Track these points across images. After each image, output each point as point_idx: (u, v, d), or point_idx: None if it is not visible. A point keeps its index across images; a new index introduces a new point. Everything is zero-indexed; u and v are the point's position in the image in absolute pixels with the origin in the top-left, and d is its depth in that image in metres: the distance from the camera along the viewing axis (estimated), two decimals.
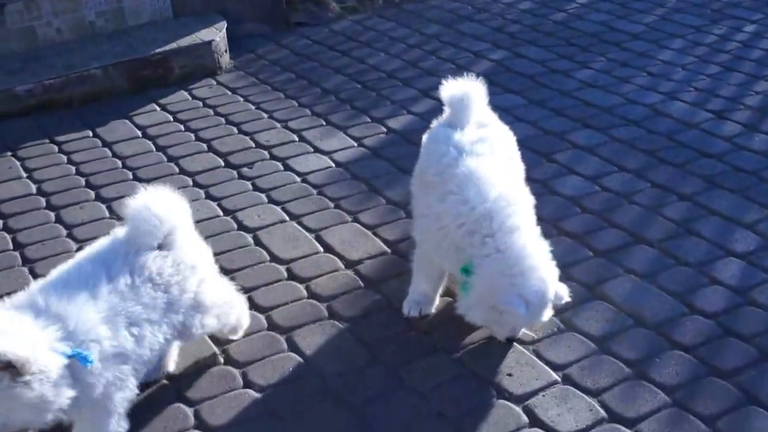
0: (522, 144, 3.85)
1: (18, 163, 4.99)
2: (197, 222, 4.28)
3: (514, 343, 3.47)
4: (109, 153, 5.09)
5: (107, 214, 4.47)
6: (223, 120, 5.45)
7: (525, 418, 3.15)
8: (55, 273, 2.94)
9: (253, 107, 5.61)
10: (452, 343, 3.51)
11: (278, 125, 5.36)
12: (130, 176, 4.83)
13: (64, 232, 4.33)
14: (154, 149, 5.12)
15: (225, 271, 3.95)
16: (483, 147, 3.42)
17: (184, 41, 5.98)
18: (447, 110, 3.67)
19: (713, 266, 3.94)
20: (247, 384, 3.35)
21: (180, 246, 3.09)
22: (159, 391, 3.32)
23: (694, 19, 6.86)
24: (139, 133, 5.31)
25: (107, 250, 3.03)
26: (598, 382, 3.29)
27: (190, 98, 5.76)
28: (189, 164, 4.93)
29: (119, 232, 3.09)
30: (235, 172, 4.84)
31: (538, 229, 3.36)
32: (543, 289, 3.19)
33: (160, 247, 3.04)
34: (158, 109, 5.62)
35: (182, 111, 5.57)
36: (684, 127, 5.20)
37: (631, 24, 6.81)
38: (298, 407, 3.23)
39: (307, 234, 4.25)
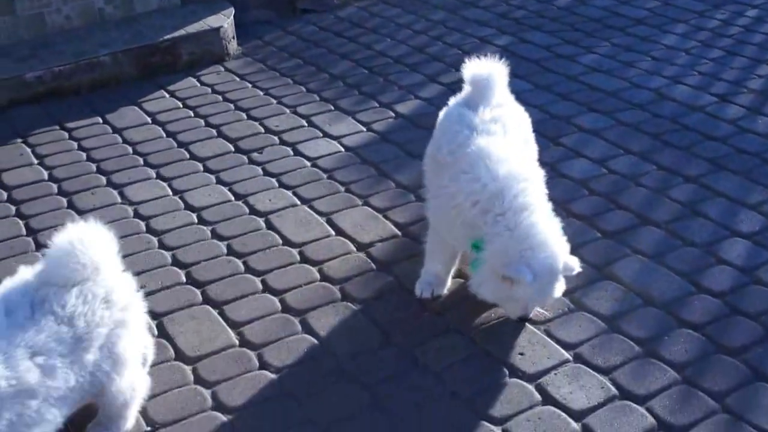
0: None
1: (29, 150, 5.02)
2: (209, 207, 4.39)
3: (526, 324, 3.52)
4: (120, 139, 5.13)
5: (119, 200, 4.51)
6: (231, 106, 5.49)
7: (538, 396, 3.21)
8: None
9: (261, 93, 5.64)
10: (465, 323, 3.56)
11: (287, 111, 5.40)
12: (141, 162, 4.87)
13: (77, 217, 4.34)
14: (164, 135, 5.16)
15: (237, 255, 4.03)
16: (496, 126, 3.45)
17: (192, 28, 6.02)
18: (467, 89, 3.70)
19: (719, 246, 4.00)
20: (263, 365, 3.40)
21: (99, 282, 2.81)
22: (176, 374, 3.37)
23: (696, 4, 6.89)
24: (149, 120, 5.35)
25: (11, 287, 2.78)
26: (609, 361, 3.35)
27: (198, 84, 5.79)
28: (199, 149, 4.98)
29: (30, 270, 2.84)
30: (245, 157, 4.88)
31: (549, 206, 3.40)
32: (551, 261, 3.20)
33: (75, 285, 2.76)
34: (167, 95, 5.66)
35: (191, 97, 5.61)
36: (688, 111, 5.25)
37: (635, 9, 6.84)
38: (314, 388, 3.28)
39: (319, 217, 4.30)
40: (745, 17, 6.64)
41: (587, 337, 3.48)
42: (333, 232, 4.18)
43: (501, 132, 3.45)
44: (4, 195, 4.58)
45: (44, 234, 4.20)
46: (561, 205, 4.25)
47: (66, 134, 5.19)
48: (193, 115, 5.40)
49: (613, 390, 3.22)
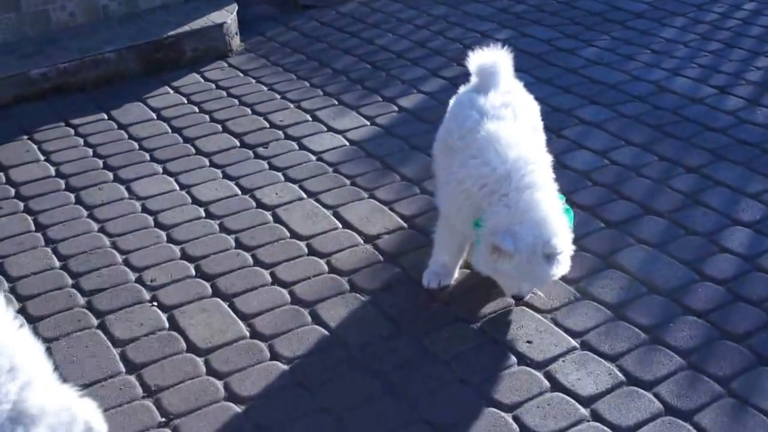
0: None
1: (35, 147, 5.05)
2: (216, 201, 4.44)
3: (533, 312, 3.58)
4: (125, 135, 5.17)
5: (126, 195, 4.55)
6: (236, 101, 5.53)
7: (547, 383, 3.26)
8: None
9: (265, 88, 5.69)
10: (472, 313, 3.61)
11: (291, 105, 5.44)
12: (148, 157, 4.91)
13: (85, 212, 4.40)
14: (169, 131, 5.20)
15: (246, 248, 4.07)
16: (506, 111, 3.50)
17: (196, 24, 6.06)
18: (474, 80, 3.76)
19: (721, 235, 4.05)
20: (275, 356, 3.44)
21: None
22: (188, 365, 3.41)
23: None
24: (154, 116, 5.39)
25: None
26: (616, 347, 3.40)
27: (202, 80, 5.83)
28: (205, 145, 5.02)
29: None
30: (250, 152, 4.93)
31: (555, 187, 3.45)
32: (533, 239, 3.19)
33: None
34: (171, 91, 5.69)
35: (195, 93, 5.65)
36: (688, 102, 5.30)
37: (634, 3, 6.89)
38: (325, 377, 3.33)
39: (325, 210, 4.35)
40: (743, 10, 6.70)
41: (594, 324, 3.53)
42: (340, 225, 4.23)
43: (511, 117, 3.49)
44: (12, 191, 4.61)
45: (53, 230, 4.25)
46: (565, 196, 4.29)
47: (72, 131, 5.23)
48: (198, 110, 5.44)
49: (621, 376, 3.27)
